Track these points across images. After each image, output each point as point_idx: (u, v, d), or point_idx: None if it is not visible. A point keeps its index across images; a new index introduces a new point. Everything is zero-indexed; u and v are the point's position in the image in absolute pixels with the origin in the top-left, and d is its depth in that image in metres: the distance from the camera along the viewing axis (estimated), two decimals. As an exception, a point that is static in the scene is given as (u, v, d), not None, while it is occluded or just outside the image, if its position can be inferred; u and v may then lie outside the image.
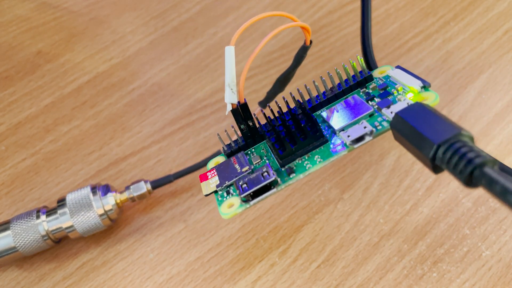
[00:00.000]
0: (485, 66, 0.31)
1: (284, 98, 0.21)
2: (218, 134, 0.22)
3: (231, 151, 0.22)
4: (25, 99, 0.34)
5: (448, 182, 0.27)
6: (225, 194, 0.20)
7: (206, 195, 0.21)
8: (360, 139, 0.18)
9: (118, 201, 0.26)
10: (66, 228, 0.25)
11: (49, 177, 0.30)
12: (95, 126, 0.32)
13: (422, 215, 0.26)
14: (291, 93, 0.21)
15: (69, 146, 0.31)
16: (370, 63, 0.24)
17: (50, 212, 0.26)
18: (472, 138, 0.15)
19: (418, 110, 0.16)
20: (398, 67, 0.21)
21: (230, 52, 0.19)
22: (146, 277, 0.26)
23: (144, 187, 0.26)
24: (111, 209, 0.26)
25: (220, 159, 0.23)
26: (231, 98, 0.19)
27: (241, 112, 0.20)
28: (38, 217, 0.25)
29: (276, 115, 0.21)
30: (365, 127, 0.18)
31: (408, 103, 0.18)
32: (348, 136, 0.19)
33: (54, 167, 0.30)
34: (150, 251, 0.27)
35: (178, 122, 0.32)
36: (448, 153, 0.14)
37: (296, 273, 0.25)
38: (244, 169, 0.20)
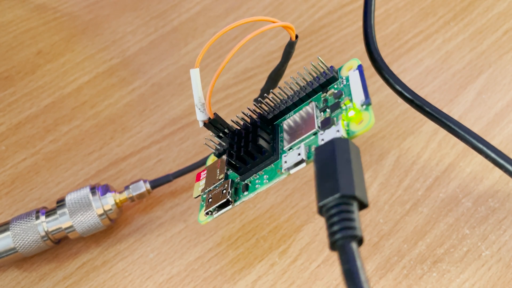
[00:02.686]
0: (485, 66, 0.31)
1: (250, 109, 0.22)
2: (206, 139, 0.23)
3: (218, 153, 0.23)
4: (25, 99, 0.34)
5: (448, 182, 0.27)
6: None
7: (195, 197, 0.23)
8: (295, 165, 0.19)
9: (118, 201, 0.26)
10: (66, 228, 0.25)
11: (49, 177, 0.30)
12: (95, 126, 0.32)
13: (422, 215, 0.26)
14: (261, 100, 0.21)
15: (69, 146, 0.31)
16: (373, 52, 0.23)
17: (49, 212, 0.26)
18: (354, 197, 0.15)
19: (328, 151, 0.16)
20: (359, 67, 0.20)
21: (195, 74, 0.20)
22: (146, 277, 0.26)
23: (143, 187, 0.26)
24: (110, 209, 0.26)
25: (215, 157, 0.24)
26: (201, 117, 0.21)
27: (213, 126, 0.21)
28: (37, 217, 0.25)
29: (240, 126, 0.22)
30: (299, 154, 0.19)
31: (337, 130, 0.18)
32: (285, 162, 0.19)
33: (54, 167, 0.30)
34: (150, 251, 0.27)
35: (178, 122, 0.32)
36: (328, 213, 0.15)
37: (296, 273, 0.25)
38: (220, 177, 0.22)
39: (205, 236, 0.27)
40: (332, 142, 0.16)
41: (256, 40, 0.36)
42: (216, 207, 0.21)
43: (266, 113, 0.22)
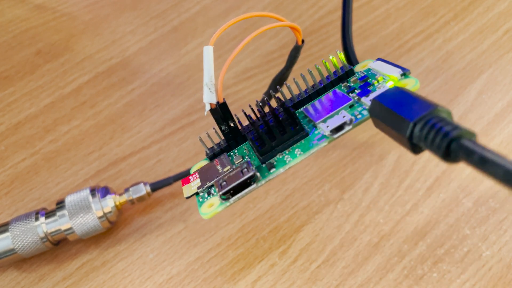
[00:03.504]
0: (485, 66, 0.31)
1: (265, 98, 0.21)
2: (199, 137, 0.21)
3: (213, 154, 0.21)
4: (24, 99, 0.34)
5: (449, 182, 0.27)
6: (206, 195, 0.20)
7: (187, 198, 0.20)
8: (339, 128, 0.18)
9: (118, 203, 0.26)
10: (65, 230, 0.25)
11: (49, 177, 0.30)
12: (95, 126, 0.32)
13: (422, 215, 0.26)
14: (272, 92, 0.21)
15: (68, 146, 0.31)
16: (351, 59, 0.23)
17: (49, 214, 0.25)
18: (449, 114, 0.14)
19: (394, 93, 0.16)
20: (379, 59, 0.21)
21: (208, 52, 0.19)
22: (146, 277, 0.26)
23: (143, 190, 0.26)
24: (110, 212, 0.26)
25: (204, 163, 0.22)
26: (209, 98, 0.19)
27: (220, 112, 0.19)
28: (37, 219, 0.25)
29: (258, 114, 0.21)
30: (344, 116, 0.18)
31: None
32: (327, 126, 0.18)
33: (54, 167, 0.30)
34: (150, 251, 0.26)
35: (178, 122, 0.32)
36: (425, 129, 0.14)
37: (296, 273, 0.25)
38: (225, 169, 0.20)
39: (204, 237, 0.27)
40: (394, 87, 0.16)
41: (256, 40, 0.35)
42: (234, 187, 0.18)
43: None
